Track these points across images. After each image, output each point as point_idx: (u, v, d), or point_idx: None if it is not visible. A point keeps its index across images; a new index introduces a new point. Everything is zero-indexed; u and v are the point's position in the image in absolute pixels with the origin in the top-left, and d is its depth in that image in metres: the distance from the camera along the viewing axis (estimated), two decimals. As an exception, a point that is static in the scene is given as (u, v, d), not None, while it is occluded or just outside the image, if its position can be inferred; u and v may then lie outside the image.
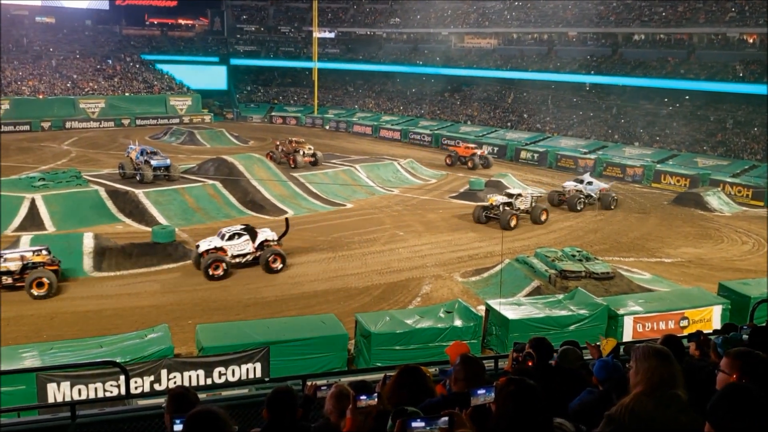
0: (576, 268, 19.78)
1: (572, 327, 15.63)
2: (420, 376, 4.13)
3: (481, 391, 3.67)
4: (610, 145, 47.32)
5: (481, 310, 16.48)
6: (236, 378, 12.89)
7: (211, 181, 29.86)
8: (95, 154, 41.63)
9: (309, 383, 4.56)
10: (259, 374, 13.06)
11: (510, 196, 28.72)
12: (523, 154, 46.08)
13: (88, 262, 20.61)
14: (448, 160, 42.14)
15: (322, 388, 4.56)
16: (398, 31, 71.94)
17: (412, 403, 3.58)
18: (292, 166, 34.92)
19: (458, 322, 15.14)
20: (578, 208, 30.53)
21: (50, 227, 24.37)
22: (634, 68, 51.45)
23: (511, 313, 15.72)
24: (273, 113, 66.48)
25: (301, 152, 35.92)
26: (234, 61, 72.30)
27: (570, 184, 32.01)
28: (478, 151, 42.80)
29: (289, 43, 75.22)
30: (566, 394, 4.67)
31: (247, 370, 13.10)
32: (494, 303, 16.15)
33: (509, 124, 55.32)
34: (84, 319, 17.08)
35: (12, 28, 63.59)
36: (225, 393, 10.36)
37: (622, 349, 6.87)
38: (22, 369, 11.69)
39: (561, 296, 17.35)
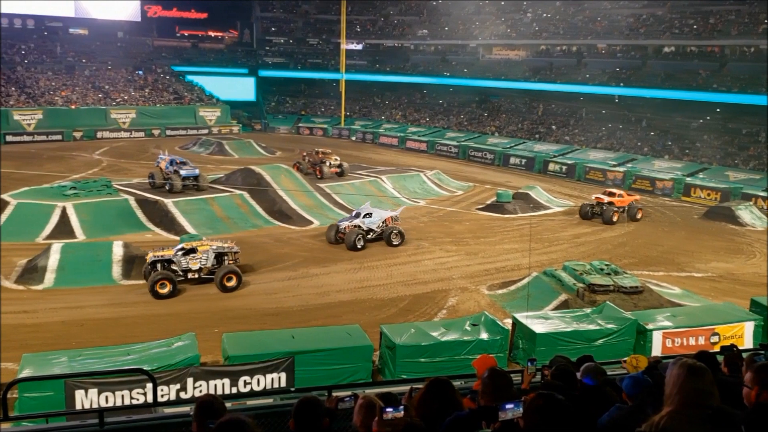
0: (604, 281, 19.52)
1: (600, 341, 15.41)
2: (449, 389, 4.08)
3: (509, 406, 3.64)
4: (639, 157, 46.80)
5: (507, 323, 16.32)
6: (261, 387, 12.91)
7: (238, 191, 30.10)
8: (126, 163, 42.24)
9: (331, 396, 4.55)
10: (283, 384, 13.06)
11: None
12: (551, 167, 45.76)
13: (117, 270, 20.84)
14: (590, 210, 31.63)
15: (345, 399, 4.55)
16: (426, 43, 72.14)
17: (440, 417, 3.55)
18: (319, 176, 35.08)
19: (484, 335, 15.01)
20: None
21: (80, 235, 24.72)
22: (664, 80, 50.91)
23: (538, 326, 15.55)
24: (300, 124, 66.97)
25: (328, 163, 36.07)
26: (262, 73, 73.05)
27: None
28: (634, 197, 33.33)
29: (317, 55, 75.85)
30: (591, 410, 4.61)
31: (272, 379, 13.11)
32: (521, 316, 15.99)
33: (537, 135, 55.03)
34: (112, 326, 17.24)
35: (47, 40, 65.05)
36: (250, 402, 10.38)
37: (652, 364, 6.74)
38: (51, 375, 11.84)
39: (589, 310, 17.11)
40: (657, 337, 15.82)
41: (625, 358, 7.07)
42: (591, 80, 55.49)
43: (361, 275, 22.20)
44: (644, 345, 15.62)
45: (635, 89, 52.19)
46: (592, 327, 15.78)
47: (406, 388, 5.31)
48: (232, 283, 20.13)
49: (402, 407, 3.58)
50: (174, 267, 19.98)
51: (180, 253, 20.04)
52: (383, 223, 25.92)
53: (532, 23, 64.00)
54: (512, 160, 48.37)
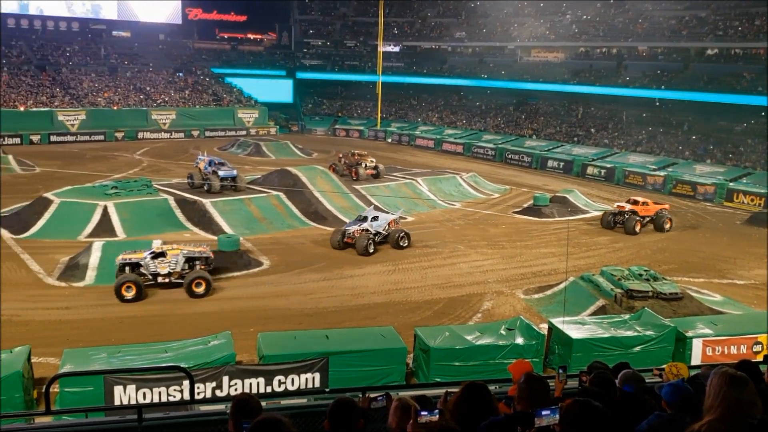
0: (643, 287, 19.18)
1: (637, 348, 15.16)
2: (485, 394, 4.05)
3: (545, 412, 3.60)
4: (680, 162, 45.90)
5: (543, 328, 16.14)
6: (295, 387, 12.99)
7: (275, 192, 30.36)
8: (165, 164, 42.95)
9: (364, 396, 4.56)
10: (317, 384, 13.12)
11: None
12: (589, 170, 45.18)
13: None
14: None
15: (378, 399, 4.56)
16: (463, 45, 71.88)
17: (476, 421, 3.52)
18: (354, 178, 35.18)
19: (520, 340, 14.88)
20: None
21: (121, 234, 25.18)
22: (707, 83, 49.88)
23: (574, 332, 15.36)
24: (337, 126, 67.32)
25: (363, 165, 36.15)
26: (300, 75, 73.65)
27: None
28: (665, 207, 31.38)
29: (354, 57, 76.18)
30: (630, 418, 4.54)
31: (306, 379, 13.18)
32: (557, 321, 15.81)
33: (576, 139, 54.38)
34: (150, 323, 17.54)
35: (91, 42, 66.52)
36: (284, 402, 10.47)
37: (692, 373, 6.61)
38: (91, 371, 12.09)
39: (627, 316, 16.85)
40: (697, 345, 15.49)
41: (662, 366, 6.94)
42: (631, 83, 54.67)
43: (395, 277, 22.20)
44: (684, 353, 15.32)
45: (677, 92, 51.20)
46: (629, 333, 15.53)
47: (439, 391, 5.29)
48: (201, 289, 19.41)
49: (437, 411, 3.57)
50: (143, 270, 19.52)
51: (149, 256, 19.60)
52: (388, 225, 25.61)
53: (571, 25, 63.30)
54: (550, 163, 47.90)
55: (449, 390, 4.39)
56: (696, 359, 15.16)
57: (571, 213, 32.24)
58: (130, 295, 18.86)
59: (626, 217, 28.95)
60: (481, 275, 22.62)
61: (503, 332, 15.20)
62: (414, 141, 59.49)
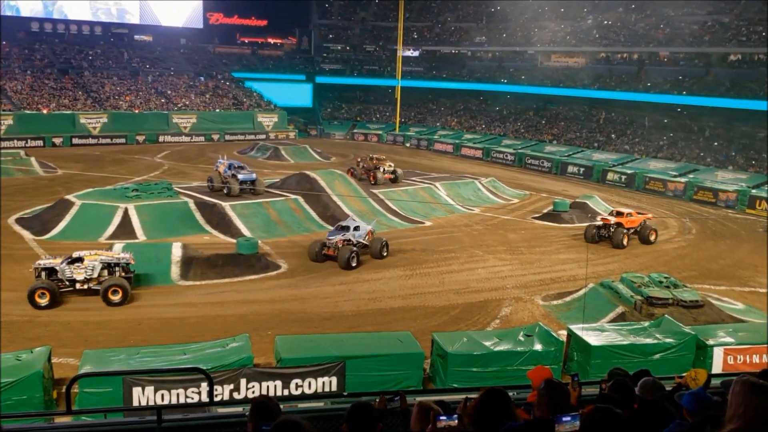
0: (663, 294, 18.99)
1: (657, 356, 14.98)
2: (504, 400, 4.02)
3: (566, 418, 3.57)
4: (701, 168, 45.43)
5: (562, 334, 16.02)
6: (312, 391, 12.98)
7: (293, 196, 30.45)
8: (186, 167, 43.27)
9: (381, 397, 4.57)
10: (334, 388, 13.11)
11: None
12: (610, 176, 44.85)
13: (175, 271, 21.32)
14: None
15: (396, 399, 4.56)
16: (483, 49, 71.80)
17: (495, 427, 3.50)
18: (372, 182, 35.21)
19: (538, 346, 14.77)
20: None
21: (141, 236, 25.38)
22: (729, 89, 49.32)
23: (593, 338, 15.23)
24: (355, 130, 67.47)
25: (382, 169, 36.18)
26: (319, 79, 73.95)
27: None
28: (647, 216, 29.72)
29: (373, 62, 76.35)
30: (650, 426, 4.49)
31: (323, 383, 13.17)
32: (576, 328, 15.69)
33: (596, 144, 54.05)
34: (169, 325, 17.65)
35: (113, 46, 67.28)
36: (301, 405, 10.48)
37: (713, 382, 6.52)
38: (112, 372, 12.18)
39: (646, 323, 16.67)
40: (718, 354, 15.28)
41: (682, 374, 6.85)
42: (652, 89, 54.22)
43: (413, 282, 22.16)
44: (704, 361, 15.11)
45: (698, 98, 50.68)
46: (649, 341, 15.37)
47: (456, 397, 5.26)
48: (117, 297, 18.61)
49: (456, 416, 3.55)
50: (60, 276, 18.83)
51: (65, 262, 18.93)
52: (366, 236, 24.52)
53: (592, 30, 62.96)
54: (570, 168, 47.62)
55: (468, 396, 4.35)
56: (717, 367, 14.96)
57: (590, 219, 31.95)
58: (43, 302, 18.07)
59: (612, 230, 27.51)
60: (499, 281, 22.51)
61: (522, 338, 15.10)
62: (433, 145, 59.46)
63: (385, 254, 24.24)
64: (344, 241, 23.55)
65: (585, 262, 23.02)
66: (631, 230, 27.90)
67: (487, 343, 14.76)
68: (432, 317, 18.94)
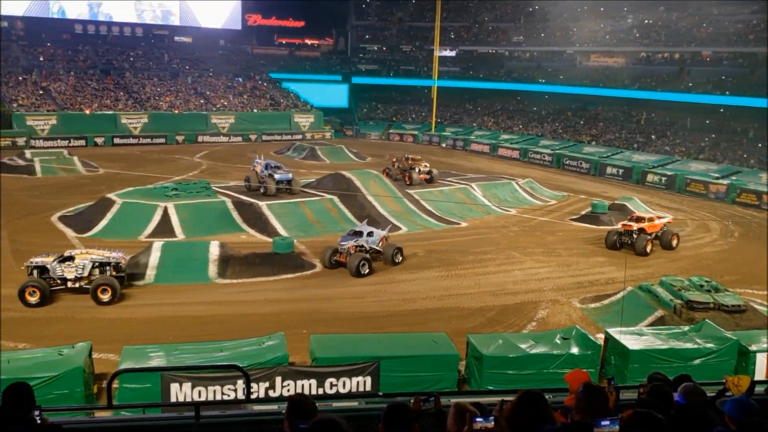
0: (704, 299, 18.57)
1: (697, 361, 14.64)
2: (541, 403, 3.96)
3: (605, 422, 3.51)
4: (744, 170, 44.29)
5: (599, 338, 15.79)
6: (346, 390, 13.01)
7: (329, 196, 30.58)
8: (224, 166, 43.78)
9: (415, 398, 4.56)
10: (368, 388, 13.11)
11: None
12: (649, 177, 44.07)
13: (212, 269, 21.57)
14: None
15: (430, 400, 4.55)
16: (521, 49, 71.24)
17: (532, 430, 3.45)
18: (408, 182, 35.16)
19: (575, 350, 14.58)
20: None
21: (180, 234, 25.76)
22: (776, 89, 48.02)
23: (632, 342, 14.96)
24: (391, 130, 67.48)
25: (417, 169, 36.10)
26: (355, 80, 74.17)
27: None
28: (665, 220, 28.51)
29: (409, 62, 76.29)
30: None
31: (358, 383, 13.19)
32: (614, 332, 15.44)
33: (636, 145, 53.16)
34: (206, 322, 17.86)
35: (154, 47, 68.45)
36: (336, 404, 10.49)
37: (756, 389, 6.35)
38: (152, 368, 12.38)
39: (686, 328, 16.32)
40: (761, 360, 14.88)
41: (729, 378, 6.67)
42: (694, 89, 53.15)
43: (447, 283, 22.05)
44: (746, 367, 14.73)
45: (742, 98, 49.45)
46: (689, 346, 15.04)
47: (492, 399, 5.21)
48: (107, 296, 18.61)
49: (492, 418, 3.51)
50: (51, 275, 18.90)
51: (56, 261, 19.03)
52: (380, 242, 23.82)
53: (632, 29, 61.98)
54: (609, 169, 46.93)
55: (505, 398, 4.31)
56: (760, 374, 14.57)
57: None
58: (34, 299, 18.14)
59: (635, 236, 26.22)
60: (536, 283, 22.28)
61: (558, 341, 14.93)
62: (469, 146, 59.17)
63: (398, 260, 23.44)
64: (356, 247, 22.90)
65: (623, 265, 22.66)
66: (653, 235, 26.75)
67: (523, 346, 14.63)
68: (467, 319, 18.83)
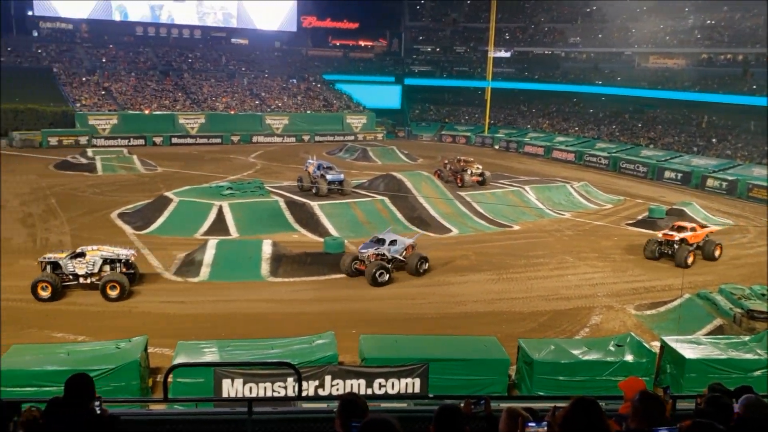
0: (765, 308, 17.91)
1: (758, 373, 14.10)
2: (595, 410, 3.87)
3: (662, 431, 3.41)
4: (812, 175, 42.59)
5: (655, 346, 15.38)
6: (395, 391, 13.00)
7: (380, 197, 30.66)
8: (277, 166, 44.37)
9: (465, 401, 4.53)
10: (417, 390, 13.06)
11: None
12: (709, 182, 42.77)
13: (265, 267, 21.87)
14: None
15: (480, 403, 4.51)
16: (578, 50, 70.12)
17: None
18: (459, 184, 34.95)
19: (629, 357, 14.24)
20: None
21: (234, 233, 26.19)
22: None
23: (688, 351, 14.53)
24: (443, 132, 67.26)
25: (469, 171, 35.85)
26: (408, 81, 74.24)
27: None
28: None
29: (463, 63, 75.95)
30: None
31: (406, 384, 13.16)
32: (670, 340, 15.03)
33: (695, 149, 51.66)
34: (258, 320, 18.12)
35: (211, 49, 69.86)
36: (384, 405, 10.49)
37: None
38: (208, 363, 12.62)
39: (747, 338, 15.75)
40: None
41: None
42: (758, 91, 51.32)
43: (499, 287, 21.84)
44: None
45: (811, 101, 47.62)
46: (749, 356, 14.51)
47: (542, 405, 5.13)
48: (115, 292, 18.84)
49: (545, 423, 3.46)
50: (63, 270, 19.22)
51: (68, 257, 19.38)
52: (405, 251, 22.87)
53: (693, 30, 60.30)
54: (667, 173, 45.75)
55: (557, 404, 4.23)
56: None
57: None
58: (45, 294, 18.52)
59: (676, 247, 24.88)
60: (590, 288, 21.87)
61: (612, 348, 14.60)
62: (522, 148, 58.48)
63: (423, 270, 22.39)
64: (377, 255, 21.99)
65: (681, 271, 22.04)
66: (694, 246, 25.38)
67: (576, 352, 14.37)
68: (518, 323, 18.60)
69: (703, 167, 45.77)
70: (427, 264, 22.67)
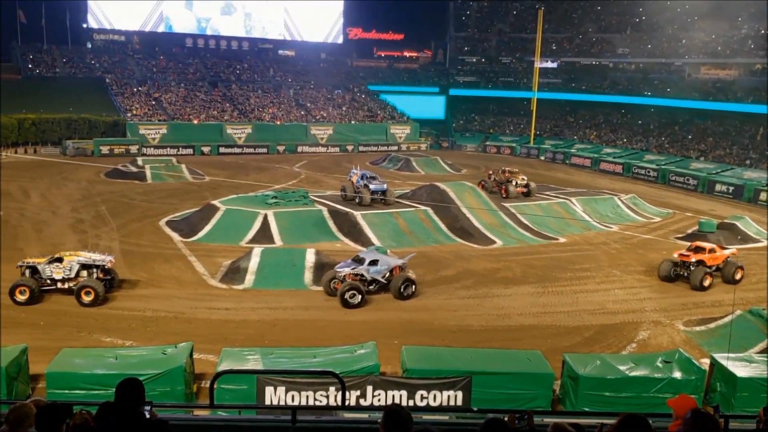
0: (823, 327, 17.24)
1: (813, 393, 13.60)
2: (644, 427, 3.77)
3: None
4: None
5: (704, 363, 14.95)
6: (437, 403, 12.90)
7: (423, 207, 30.59)
8: (321, 176, 44.72)
9: (509, 416, 4.47)
10: (459, 403, 12.95)
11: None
12: (762, 196, 41.47)
13: (308, 276, 22.01)
14: None
15: (525, 417, 4.46)
16: (626, 61, 69.02)
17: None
18: (504, 195, 34.65)
19: (677, 374, 13.86)
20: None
21: (278, 241, 26.44)
22: None
23: (740, 369, 14.06)
24: (487, 142, 66.90)
25: (514, 182, 35.50)
26: (453, 92, 74.13)
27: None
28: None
29: (509, 74, 75.48)
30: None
31: (449, 397, 13.05)
32: (721, 357, 14.57)
33: (748, 162, 50.27)
34: (300, 328, 18.22)
35: (259, 61, 70.93)
36: (426, 417, 10.43)
37: None
38: (250, 370, 12.74)
39: (802, 357, 15.20)
40: None
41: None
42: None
43: (544, 300, 21.53)
44: None
45: None
46: (805, 376, 13.97)
47: (588, 421, 5.02)
48: (89, 298, 18.80)
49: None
50: (41, 275, 19.35)
51: (47, 262, 19.48)
52: (390, 273, 21.28)
53: (746, 40, 58.80)
54: (718, 187, 44.57)
55: (604, 422, 4.13)
56: None
57: (740, 241, 29.73)
58: (23, 298, 18.65)
59: (692, 268, 23.44)
60: (637, 303, 21.40)
61: (660, 364, 14.24)
62: (569, 159, 57.75)
63: (408, 293, 20.77)
64: (354, 275, 20.75)
65: (732, 287, 21.42)
66: (714, 268, 23.83)
67: (622, 368, 14.05)
68: (563, 337, 18.30)
69: (756, 180, 44.47)
70: (413, 287, 20.95)
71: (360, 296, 20.00)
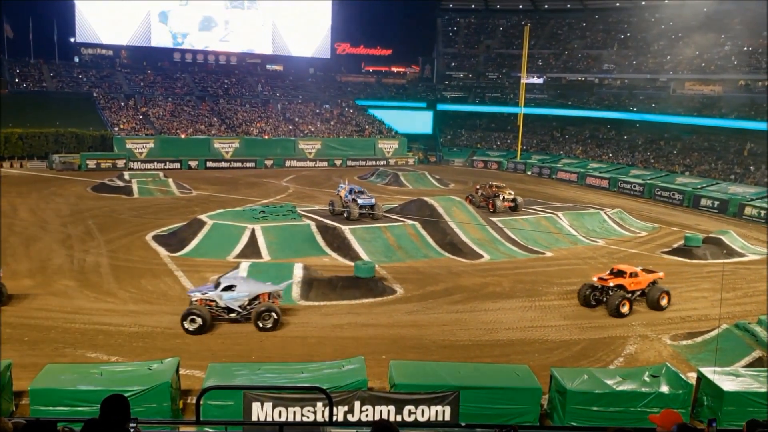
0: (809, 341, 17.35)
1: (800, 407, 13.68)
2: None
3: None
4: None
5: (692, 377, 15.00)
6: (425, 418, 12.85)
7: (411, 221, 30.63)
8: (310, 191, 44.73)
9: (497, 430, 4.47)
10: (447, 418, 12.90)
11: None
12: (747, 210, 41.91)
13: (296, 291, 21.92)
14: None
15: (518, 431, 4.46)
16: (612, 77, 69.73)
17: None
18: (491, 210, 34.78)
19: (665, 388, 13.89)
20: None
21: (266, 256, 26.36)
22: None
23: (727, 383, 14.13)
24: (475, 157, 67.26)
25: (501, 197, 35.67)
26: (440, 107, 74.56)
27: None
28: None
29: (496, 89, 76.09)
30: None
31: (437, 412, 13.01)
32: (708, 371, 14.63)
33: (733, 176, 50.78)
34: (289, 343, 18.11)
35: (247, 75, 71.05)
36: (414, 432, 10.40)
37: None
38: (236, 386, 12.62)
39: (789, 371, 15.29)
40: None
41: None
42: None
43: (532, 314, 21.57)
44: None
45: None
46: (792, 390, 14.05)
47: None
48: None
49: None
50: None
51: None
52: (255, 300, 19.40)
53: (730, 56, 59.61)
54: (703, 201, 44.98)
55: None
56: None
57: (726, 256, 29.98)
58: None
59: (610, 293, 22.01)
60: (624, 317, 21.46)
61: (647, 379, 14.26)
62: (555, 174, 58.14)
63: (269, 327, 18.71)
64: (204, 300, 18.98)
65: (719, 302, 21.55)
66: (637, 293, 22.58)
67: (610, 382, 14.07)
68: (551, 352, 18.32)
69: (741, 195, 44.93)
70: (276, 318, 18.86)
71: (201, 325, 18.10)
